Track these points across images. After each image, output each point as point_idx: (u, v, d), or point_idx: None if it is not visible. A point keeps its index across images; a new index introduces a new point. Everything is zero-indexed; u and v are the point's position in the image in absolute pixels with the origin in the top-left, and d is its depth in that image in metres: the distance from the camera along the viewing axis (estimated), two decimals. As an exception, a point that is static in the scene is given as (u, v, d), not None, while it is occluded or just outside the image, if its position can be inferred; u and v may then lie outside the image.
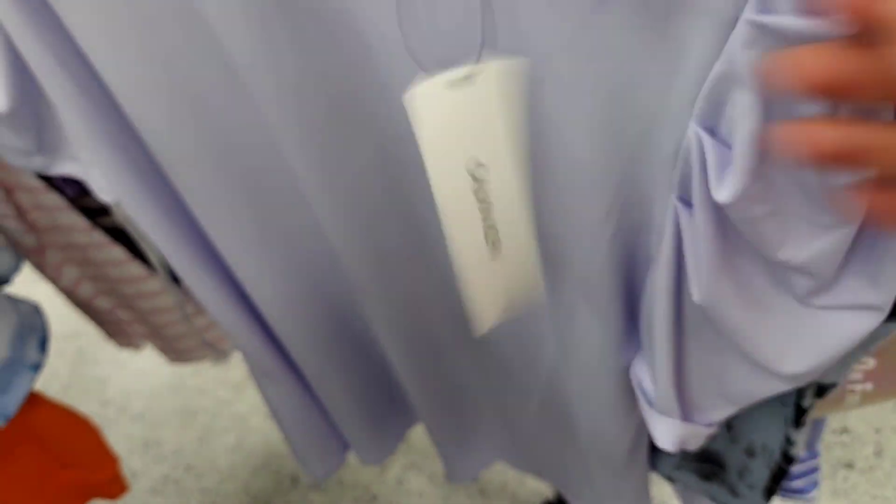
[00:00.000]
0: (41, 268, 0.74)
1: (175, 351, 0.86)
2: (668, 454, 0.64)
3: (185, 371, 1.55)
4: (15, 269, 0.66)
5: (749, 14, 0.25)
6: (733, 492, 0.62)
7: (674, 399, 0.42)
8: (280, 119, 0.41)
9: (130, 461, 1.43)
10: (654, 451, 0.64)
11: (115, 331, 0.86)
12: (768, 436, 0.53)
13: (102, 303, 0.80)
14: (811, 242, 0.32)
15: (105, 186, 0.50)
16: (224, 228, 0.51)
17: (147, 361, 1.59)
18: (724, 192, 0.30)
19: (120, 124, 0.46)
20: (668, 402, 0.43)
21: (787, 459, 0.52)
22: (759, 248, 0.32)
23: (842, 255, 0.33)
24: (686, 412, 0.44)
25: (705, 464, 0.63)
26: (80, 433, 0.78)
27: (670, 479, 0.66)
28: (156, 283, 0.75)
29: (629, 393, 0.49)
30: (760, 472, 0.57)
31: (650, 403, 0.44)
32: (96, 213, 0.70)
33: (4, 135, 0.50)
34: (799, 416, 0.47)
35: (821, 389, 0.45)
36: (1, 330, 0.61)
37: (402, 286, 0.52)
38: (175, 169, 0.47)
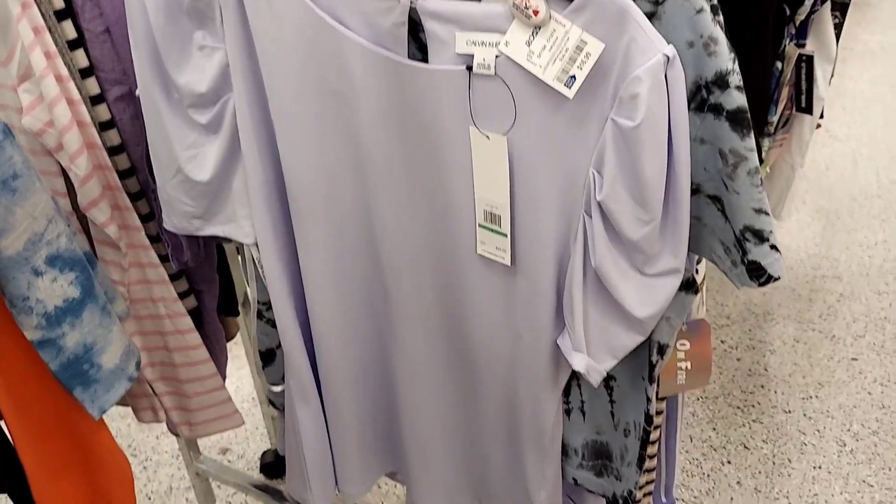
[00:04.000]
0: (119, 335, 1.00)
1: (191, 424, 1.09)
2: (571, 458, 0.94)
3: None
4: (127, 314, 0.93)
5: (612, 116, 0.67)
6: (618, 477, 0.93)
7: (583, 341, 0.77)
8: (379, 185, 0.79)
9: None
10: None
11: (145, 405, 1.09)
12: (636, 412, 0.87)
13: (148, 374, 1.05)
14: (639, 229, 0.71)
15: (250, 232, 0.83)
16: (317, 266, 0.85)
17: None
18: (600, 195, 0.69)
19: (278, 192, 0.81)
20: (580, 343, 0.77)
21: (649, 420, 0.85)
22: (619, 231, 0.71)
23: (657, 238, 0.72)
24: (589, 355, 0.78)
25: (598, 460, 0.94)
26: (118, 469, 0.97)
27: (575, 480, 0.96)
28: (203, 353, 1.02)
29: (555, 366, 0.83)
30: (634, 446, 0.89)
31: (570, 348, 0.78)
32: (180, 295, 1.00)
33: (185, 200, 0.84)
34: (651, 371, 0.82)
35: (660, 348, 0.80)
36: (118, 345, 0.87)
37: (427, 318, 0.86)
38: (302, 219, 0.82)
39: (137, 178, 0.94)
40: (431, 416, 0.94)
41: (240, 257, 1.02)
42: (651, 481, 0.97)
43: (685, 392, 0.90)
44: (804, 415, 1.78)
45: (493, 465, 0.96)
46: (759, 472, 1.66)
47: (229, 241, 0.96)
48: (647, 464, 0.90)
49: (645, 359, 0.82)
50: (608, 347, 0.78)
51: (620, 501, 0.93)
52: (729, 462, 1.69)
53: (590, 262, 0.74)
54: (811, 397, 1.82)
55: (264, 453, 1.78)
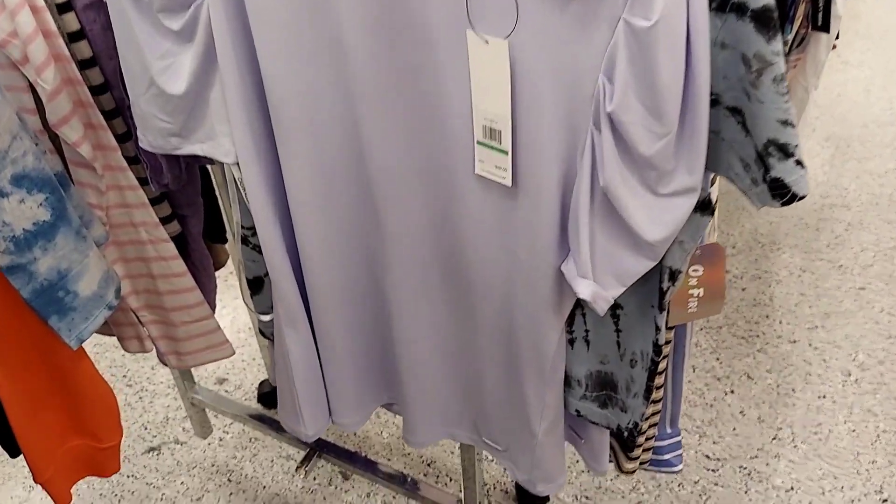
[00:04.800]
0: (100, 262, 0.95)
1: (179, 353, 1.05)
2: (573, 388, 0.90)
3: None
4: (106, 239, 0.88)
5: (624, 16, 0.60)
6: (623, 408, 0.89)
7: (589, 266, 0.72)
8: (366, 98, 0.72)
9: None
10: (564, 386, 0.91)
11: (130, 335, 1.05)
12: (644, 342, 0.83)
13: (132, 302, 1.00)
14: (653, 143, 0.65)
15: (230, 150, 0.77)
16: (302, 187, 0.79)
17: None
18: (610, 106, 0.63)
19: (259, 105, 0.75)
20: (586, 268, 0.72)
21: (657, 350, 0.81)
22: (630, 145, 0.65)
23: (671, 154, 0.66)
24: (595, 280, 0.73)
25: (602, 391, 0.90)
26: (103, 399, 0.93)
27: (577, 412, 0.92)
28: (188, 281, 0.98)
29: (558, 293, 0.78)
30: (641, 377, 0.85)
31: (575, 275, 0.73)
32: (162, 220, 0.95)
33: (160, 116, 0.77)
34: (662, 298, 0.77)
35: (672, 274, 0.75)
36: (96, 272, 0.82)
37: (421, 242, 0.81)
38: (284, 135, 0.76)
39: (112, 95, 0.87)
40: (427, 345, 0.90)
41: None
42: (657, 412, 0.94)
43: (696, 320, 0.86)
44: (810, 345, 1.76)
45: (492, 397, 0.92)
46: (763, 402, 1.65)
47: (213, 162, 0.90)
48: (654, 395, 0.86)
49: (655, 285, 0.77)
50: (616, 273, 0.73)
51: (626, 433, 0.90)
52: (732, 392, 1.68)
53: (597, 181, 0.68)
54: (817, 327, 1.79)
55: (261, 383, 1.76)
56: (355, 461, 1.39)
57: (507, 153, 0.70)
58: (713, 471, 1.53)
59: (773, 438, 1.58)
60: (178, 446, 1.68)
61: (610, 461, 1.02)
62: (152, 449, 1.68)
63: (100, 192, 0.88)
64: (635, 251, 0.72)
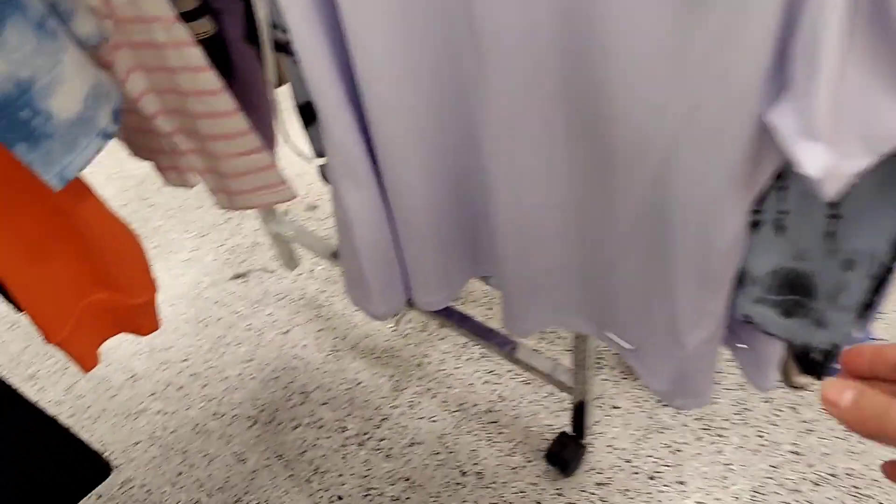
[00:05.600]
0: (109, 69, 0.72)
1: (228, 193, 0.84)
2: (746, 287, 0.62)
3: (203, 282, 1.53)
4: (98, 38, 0.64)
5: None
6: (819, 322, 0.61)
7: (824, 119, 0.42)
8: None
9: (133, 363, 1.40)
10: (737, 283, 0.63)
11: (168, 165, 0.84)
12: (875, 238, 0.53)
13: (163, 124, 0.78)
14: None
15: None
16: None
17: (164, 273, 1.58)
18: None
19: None
20: (818, 123, 0.42)
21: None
22: None
23: None
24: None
25: (789, 296, 0.62)
26: (124, 247, 0.74)
27: (746, 317, 0.65)
28: (228, 102, 0.73)
29: (753, 159, 0.49)
30: (859, 286, 0.56)
31: (794, 131, 0.44)
32: (188, 15, 0.69)
33: None
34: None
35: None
36: (78, 84, 0.59)
37: (538, 73, 0.52)
38: None
39: None
40: (538, 216, 0.63)
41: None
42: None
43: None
44: None
45: (626, 291, 0.66)
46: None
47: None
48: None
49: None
50: (868, 134, 0.43)
51: (817, 356, 0.62)
52: None
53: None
54: None
55: (355, 211, 1.57)
56: (450, 315, 1.19)
57: None
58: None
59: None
60: (266, 274, 1.55)
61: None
62: (239, 275, 1.55)
63: (89, -31, 0.63)
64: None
